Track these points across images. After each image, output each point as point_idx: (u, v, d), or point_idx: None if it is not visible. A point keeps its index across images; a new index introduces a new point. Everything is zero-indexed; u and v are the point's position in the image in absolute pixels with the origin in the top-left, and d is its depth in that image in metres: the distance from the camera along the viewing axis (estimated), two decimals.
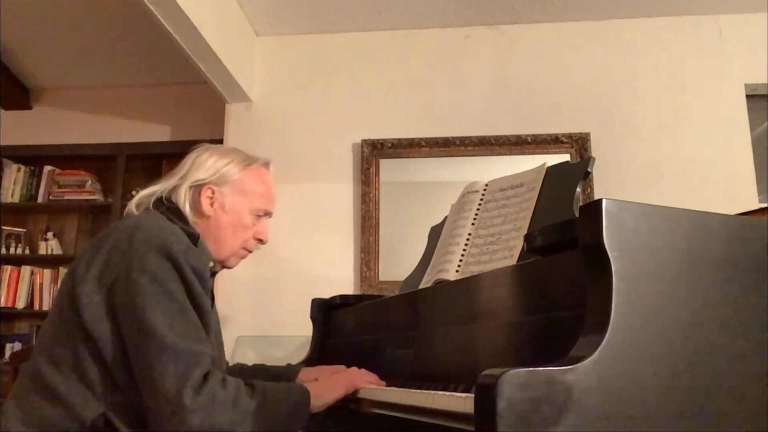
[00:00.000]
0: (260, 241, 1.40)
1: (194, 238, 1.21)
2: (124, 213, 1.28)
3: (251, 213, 1.36)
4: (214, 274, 1.35)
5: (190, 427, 1.03)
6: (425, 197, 2.94)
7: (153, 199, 1.27)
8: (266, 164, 1.41)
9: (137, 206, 1.28)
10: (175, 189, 1.29)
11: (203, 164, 1.32)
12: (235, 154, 1.37)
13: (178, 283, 1.11)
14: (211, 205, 1.31)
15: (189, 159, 1.34)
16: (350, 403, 1.30)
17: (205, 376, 1.07)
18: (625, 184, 2.80)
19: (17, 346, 3.42)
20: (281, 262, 2.90)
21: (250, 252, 1.40)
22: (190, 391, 1.04)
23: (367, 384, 1.29)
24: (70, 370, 1.08)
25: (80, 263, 1.14)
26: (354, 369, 1.37)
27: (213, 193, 1.31)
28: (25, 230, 3.67)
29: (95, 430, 1.05)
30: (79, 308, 1.09)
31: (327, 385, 1.29)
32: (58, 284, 3.00)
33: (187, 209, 1.28)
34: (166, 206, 1.27)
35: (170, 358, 1.05)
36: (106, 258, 1.11)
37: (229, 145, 1.38)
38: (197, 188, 1.30)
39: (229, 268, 1.40)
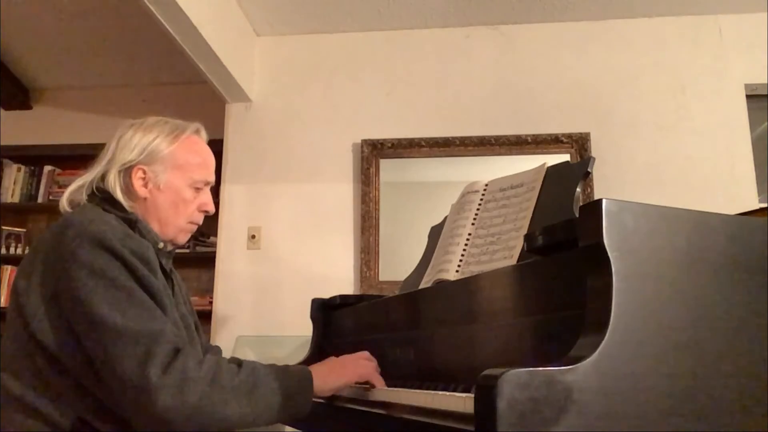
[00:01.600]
0: (206, 212, 1.32)
1: (132, 223, 1.17)
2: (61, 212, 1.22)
3: (190, 187, 1.27)
4: (169, 253, 1.29)
5: (161, 407, 0.96)
6: (425, 197, 2.94)
7: (84, 191, 1.21)
8: (197, 131, 1.32)
9: (69, 203, 1.22)
10: (104, 176, 1.21)
11: (128, 144, 1.23)
12: (160, 127, 1.27)
13: (120, 270, 1.05)
14: (145, 186, 1.23)
15: (113, 141, 1.25)
16: (349, 403, 1.30)
17: (175, 354, 1.01)
18: (625, 184, 2.80)
19: None
20: (281, 262, 2.90)
21: (198, 225, 1.33)
22: (155, 370, 0.98)
23: (379, 384, 1.21)
24: (36, 382, 1.05)
25: (20, 275, 1.10)
26: (368, 366, 1.24)
27: (144, 173, 1.22)
28: (25, 230, 3.67)
29: None
30: (27, 322, 1.05)
31: (334, 368, 1.20)
32: None
33: (119, 195, 1.20)
34: (100, 196, 1.21)
35: (127, 343, 0.99)
36: (43, 265, 1.08)
37: (154, 118, 1.31)
38: (127, 171, 1.22)
39: (178, 244, 1.32)
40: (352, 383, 1.20)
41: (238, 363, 1.09)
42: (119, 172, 1.22)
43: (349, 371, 1.20)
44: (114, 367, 0.99)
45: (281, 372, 1.12)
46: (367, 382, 1.21)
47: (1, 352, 1.11)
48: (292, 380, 1.11)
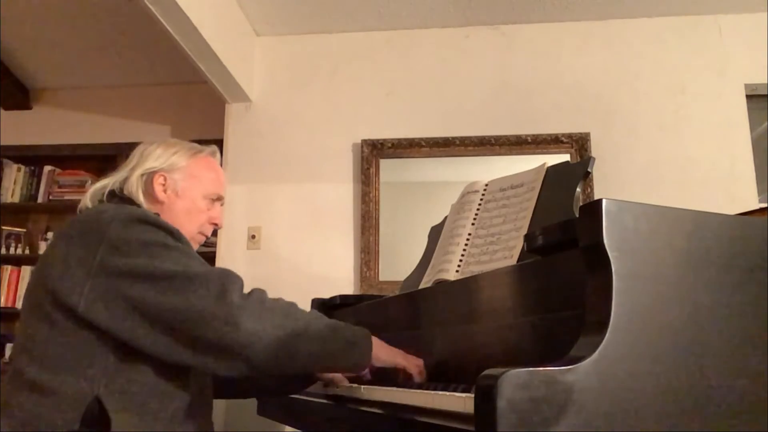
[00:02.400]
0: (215, 225, 1.42)
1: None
2: (78, 208, 1.29)
3: (204, 197, 1.38)
4: None
5: (244, 330, 1.03)
6: (425, 197, 2.94)
7: (106, 191, 1.30)
8: (213, 153, 1.44)
9: (91, 201, 1.30)
10: (126, 180, 1.31)
11: (151, 154, 1.35)
12: (181, 145, 1.40)
13: (166, 237, 1.14)
14: (164, 191, 1.33)
15: (137, 152, 1.37)
16: (350, 403, 1.30)
17: (249, 293, 1.10)
18: (625, 184, 2.80)
19: None
20: (281, 262, 2.90)
21: (207, 237, 1.43)
22: (235, 297, 1.06)
23: (419, 375, 1.24)
24: (60, 365, 1.08)
25: (54, 261, 1.13)
26: (414, 358, 1.28)
27: (165, 179, 1.33)
28: (25, 230, 3.67)
29: (89, 417, 1.05)
30: (69, 303, 1.08)
31: (390, 347, 1.25)
32: None
33: (140, 197, 1.30)
34: (119, 197, 1.29)
35: (201, 284, 1.06)
36: (81, 246, 1.11)
37: (174, 139, 1.46)
38: (149, 176, 1.32)
39: None
40: (398, 365, 1.23)
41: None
42: (141, 176, 1.32)
43: (400, 354, 1.25)
44: (194, 306, 1.05)
45: (344, 324, 1.20)
46: (406, 374, 1.24)
47: (22, 342, 1.14)
48: (355, 331, 1.19)
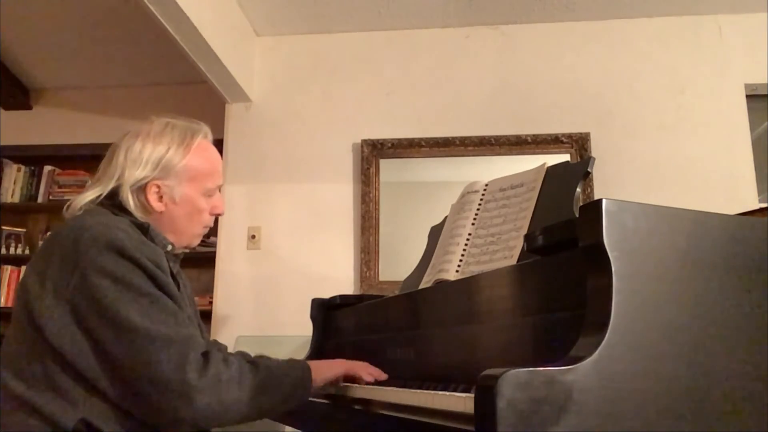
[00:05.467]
0: (217, 214, 1.34)
1: (144, 228, 1.17)
2: (65, 216, 1.20)
3: (204, 195, 1.28)
4: (178, 256, 1.30)
5: (199, 406, 1.02)
6: (425, 197, 2.94)
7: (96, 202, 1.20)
8: (205, 134, 1.31)
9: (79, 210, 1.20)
10: (116, 191, 1.19)
11: (138, 158, 1.20)
12: (170, 136, 1.24)
13: (142, 277, 1.07)
14: (160, 200, 1.22)
15: (120, 154, 1.21)
16: (349, 403, 1.30)
17: (205, 357, 1.06)
18: (625, 184, 2.80)
19: None
20: (281, 262, 2.90)
21: (210, 227, 1.35)
22: (193, 373, 1.03)
23: (368, 375, 1.29)
24: (42, 384, 1.05)
25: (31, 276, 1.09)
26: (358, 362, 1.35)
27: (159, 188, 1.21)
28: (25, 230, 3.67)
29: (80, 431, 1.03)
30: (40, 325, 1.04)
31: (327, 363, 1.30)
32: None
33: (135, 211, 1.20)
34: (110, 203, 1.19)
35: (162, 348, 1.02)
36: (58, 267, 1.07)
37: (160, 124, 1.26)
38: (141, 188, 1.20)
39: (191, 248, 1.34)
40: (341, 375, 1.29)
41: (253, 362, 1.15)
42: (131, 189, 1.19)
43: (339, 365, 1.30)
44: (150, 371, 1.02)
45: (288, 367, 1.19)
46: (355, 378, 1.29)
47: (5, 354, 1.11)
48: (296, 374, 1.19)
